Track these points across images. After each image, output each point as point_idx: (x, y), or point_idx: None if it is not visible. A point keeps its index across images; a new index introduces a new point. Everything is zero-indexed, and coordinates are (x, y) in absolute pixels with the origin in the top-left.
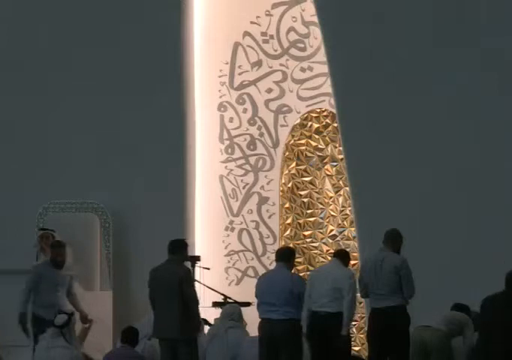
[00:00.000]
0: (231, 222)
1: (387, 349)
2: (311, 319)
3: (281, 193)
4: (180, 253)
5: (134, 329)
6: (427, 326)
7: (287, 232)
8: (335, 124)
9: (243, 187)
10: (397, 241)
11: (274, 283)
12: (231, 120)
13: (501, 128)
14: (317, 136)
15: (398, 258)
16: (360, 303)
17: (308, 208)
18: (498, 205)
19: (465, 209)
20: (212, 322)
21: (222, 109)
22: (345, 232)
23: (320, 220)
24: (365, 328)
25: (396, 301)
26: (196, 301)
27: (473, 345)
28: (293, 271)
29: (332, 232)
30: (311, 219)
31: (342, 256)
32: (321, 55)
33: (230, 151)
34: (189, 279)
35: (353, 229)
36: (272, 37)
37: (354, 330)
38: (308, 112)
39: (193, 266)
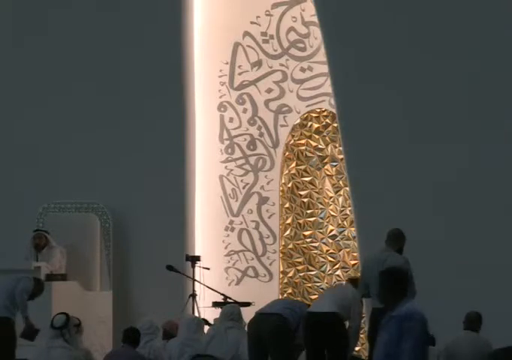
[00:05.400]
0: (231, 222)
1: None
2: None
3: (281, 193)
4: None
5: (135, 329)
6: None
7: (287, 232)
8: (335, 124)
9: (243, 187)
10: (400, 241)
11: None
12: (231, 120)
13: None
14: (317, 136)
15: (400, 258)
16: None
17: (308, 208)
18: (498, 204)
19: (466, 209)
20: (211, 322)
21: (222, 109)
22: (345, 232)
23: (320, 220)
24: (366, 328)
25: None
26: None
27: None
28: (292, 271)
29: (332, 232)
30: (311, 219)
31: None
32: (321, 55)
33: (230, 151)
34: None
35: (353, 229)
36: (272, 37)
37: None
38: (308, 112)
39: (193, 266)
